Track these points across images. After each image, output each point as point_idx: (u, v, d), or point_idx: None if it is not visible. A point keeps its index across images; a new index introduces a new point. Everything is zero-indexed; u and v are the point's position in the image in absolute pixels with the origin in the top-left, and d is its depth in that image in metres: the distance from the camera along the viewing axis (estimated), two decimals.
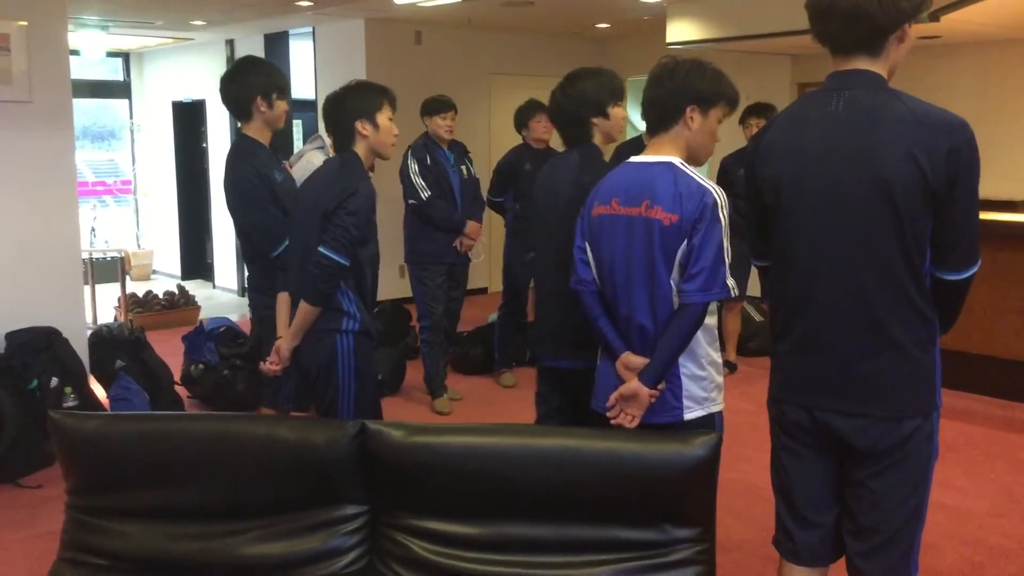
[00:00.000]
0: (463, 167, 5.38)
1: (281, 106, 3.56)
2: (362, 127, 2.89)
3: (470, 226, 5.25)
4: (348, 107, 2.90)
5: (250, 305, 3.90)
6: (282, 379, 3.05)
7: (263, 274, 3.55)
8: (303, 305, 2.86)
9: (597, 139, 2.85)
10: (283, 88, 3.58)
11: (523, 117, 5.70)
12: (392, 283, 8.00)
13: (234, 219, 3.63)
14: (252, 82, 3.50)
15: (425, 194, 5.17)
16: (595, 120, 2.81)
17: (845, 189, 1.97)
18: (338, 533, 2.23)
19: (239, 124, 3.61)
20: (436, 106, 5.30)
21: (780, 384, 2.19)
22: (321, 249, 2.80)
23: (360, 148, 2.92)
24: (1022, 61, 6.88)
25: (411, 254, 5.34)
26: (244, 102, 3.50)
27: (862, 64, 1.99)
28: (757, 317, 6.58)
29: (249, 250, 3.63)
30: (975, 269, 2.01)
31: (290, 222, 3.17)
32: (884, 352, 2.00)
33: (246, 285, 3.76)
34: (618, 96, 2.87)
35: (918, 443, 2.05)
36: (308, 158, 3.95)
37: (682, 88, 2.34)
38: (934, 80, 6.74)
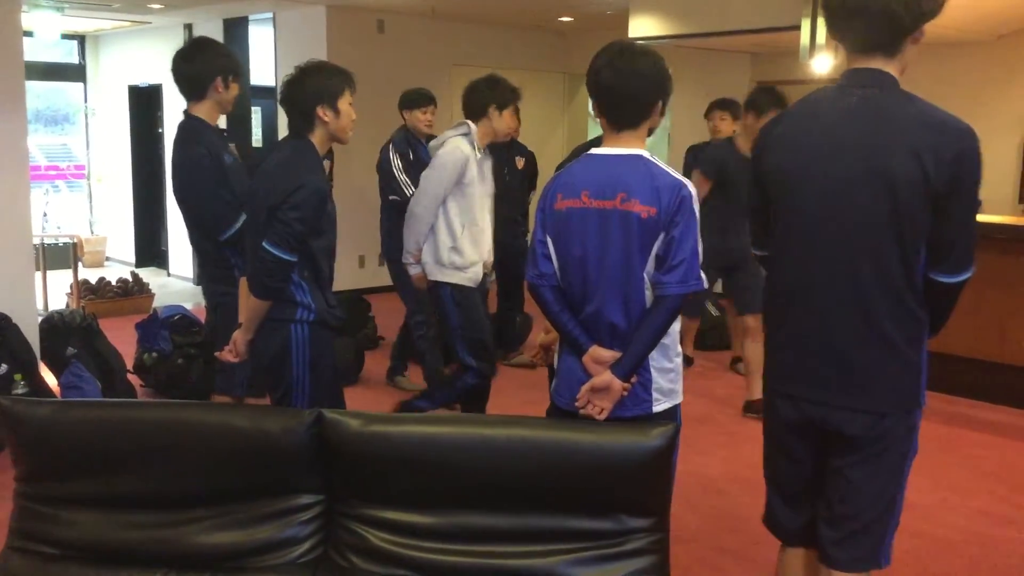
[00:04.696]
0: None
1: (235, 90, 3.53)
2: (323, 112, 2.82)
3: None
4: (309, 91, 2.82)
5: (204, 293, 3.83)
6: (235, 366, 3.00)
7: (215, 262, 3.51)
8: (253, 299, 2.81)
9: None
10: (239, 72, 3.56)
11: None
12: (352, 274, 7.96)
13: (182, 201, 3.53)
14: (213, 62, 3.47)
15: (410, 191, 4.97)
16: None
17: (848, 185, 2.00)
18: (293, 522, 2.21)
19: (187, 104, 3.53)
20: (416, 100, 5.20)
21: (772, 374, 2.24)
22: (264, 244, 2.74)
23: (317, 134, 2.85)
24: (978, 63, 7.01)
25: (394, 251, 5.09)
26: (201, 81, 3.45)
27: (878, 64, 2.04)
28: (714, 312, 6.64)
29: (197, 236, 3.56)
30: (969, 274, 2.05)
31: (244, 208, 3.14)
32: (874, 346, 2.05)
33: (199, 273, 3.72)
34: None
35: (898, 437, 2.11)
36: (455, 144, 3.90)
37: (659, 82, 2.34)
38: None
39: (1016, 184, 6.92)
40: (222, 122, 4.38)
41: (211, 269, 3.58)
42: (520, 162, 5.96)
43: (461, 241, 3.93)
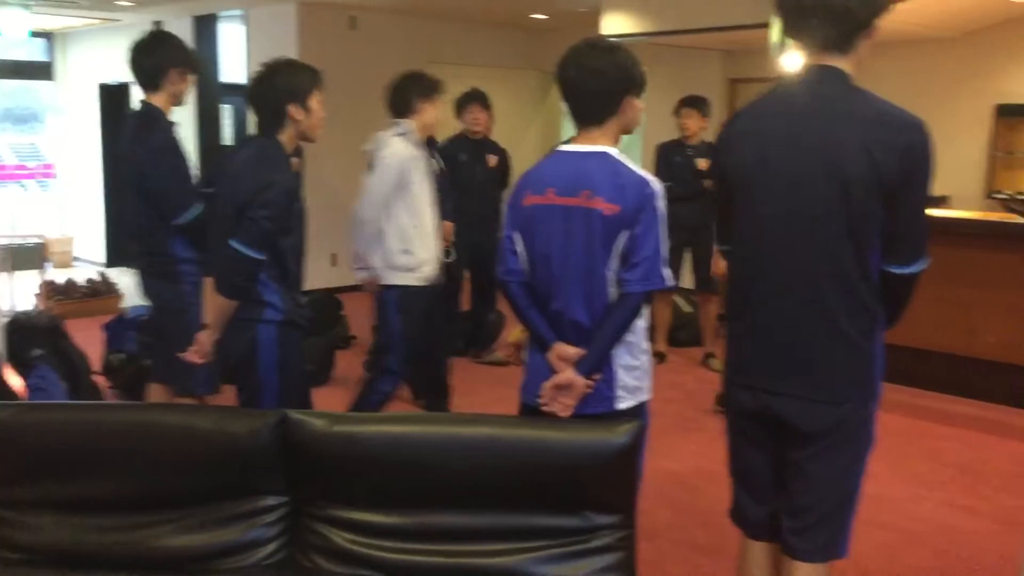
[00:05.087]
0: (432, 160, 5.19)
1: (189, 83, 3.59)
2: (295, 111, 2.81)
3: (443, 227, 5.04)
4: (280, 89, 2.81)
5: (147, 293, 3.71)
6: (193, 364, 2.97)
7: (162, 257, 3.50)
8: (219, 298, 2.79)
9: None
10: (194, 66, 3.62)
11: (459, 106, 5.67)
12: (323, 273, 7.92)
13: (141, 185, 3.51)
14: (169, 55, 3.52)
15: None
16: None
17: (803, 178, 2.03)
18: (257, 524, 2.19)
19: (145, 94, 3.57)
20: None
21: (731, 366, 2.27)
22: (233, 243, 2.72)
23: (287, 132, 2.83)
24: (944, 60, 7.08)
25: None
26: (158, 73, 3.50)
27: (833, 61, 2.07)
28: (686, 308, 6.67)
29: (150, 226, 3.53)
30: (923, 265, 2.09)
31: (209, 208, 3.15)
32: (828, 337, 2.07)
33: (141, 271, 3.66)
34: (639, 87, 2.87)
35: (854, 428, 2.13)
36: (396, 147, 3.85)
37: (626, 78, 2.35)
38: (861, 78, 6.90)
39: (983, 179, 7.00)
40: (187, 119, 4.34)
41: (157, 265, 3.56)
42: (492, 160, 5.95)
43: (411, 242, 3.90)
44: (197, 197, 3.44)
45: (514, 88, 9.36)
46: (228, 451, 2.21)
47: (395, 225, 3.90)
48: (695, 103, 5.84)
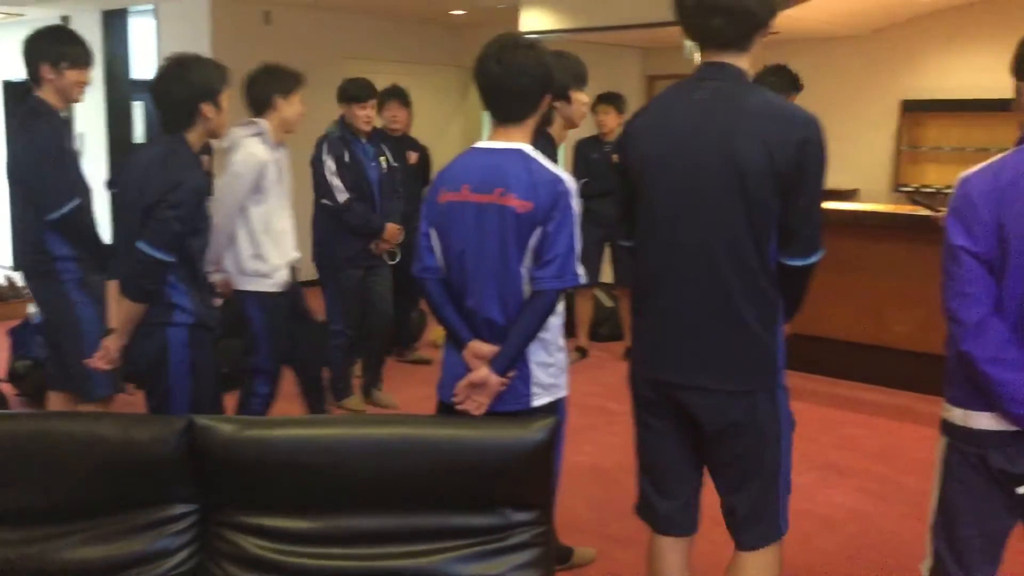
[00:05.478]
0: (382, 158, 5.01)
1: (72, 76, 3.43)
2: (208, 109, 2.74)
3: (388, 229, 4.89)
4: (195, 86, 2.73)
5: (33, 296, 3.60)
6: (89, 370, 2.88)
7: (37, 254, 3.40)
8: (127, 302, 2.71)
9: (556, 124, 2.85)
10: (75, 58, 3.43)
11: (377, 102, 5.60)
12: None
13: (17, 177, 3.41)
14: (39, 48, 3.40)
15: (342, 196, 4.76)
16: (556, 103, 2.84)
17: (704, 172, 2.06)
18: (166, 533, 2.13)
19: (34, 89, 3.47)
20: (356, 93, 4.82)
21: (637, 360, 2.28)
22: (140, 245, 2.65)
23: (195, 131, 2.77)
24: (853, 58, 7.28)
25: (324, 257, 4.95)
26: (30, 67, 3.40)
27: (730, 59, 2.10)
28: (607, 303, 6.73)
29: (25, 220, 3.44)
30: (818, 257, 2.14)
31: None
32: (732, 329, 2.11)
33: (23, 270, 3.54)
34: (581, 80, 2.87)
35: (764, 418, 2.17)
36: (249, 150, 3.64)
37: (548, 76, 2.36)
38: None
39: (891, 172, 7.23)
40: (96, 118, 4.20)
41: (35, 264, 3.46)
42: (413, 157, 5.91)
43: (264, 248, 3.71)
44: (75, 192, 3.32)
45: (434, 84, 9.32)
46: (134, 459, 2.15)
47: (247, 230, 3.70)
48: (612, 100, 5.90)
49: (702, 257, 2.10)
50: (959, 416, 2.03)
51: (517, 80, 2.30)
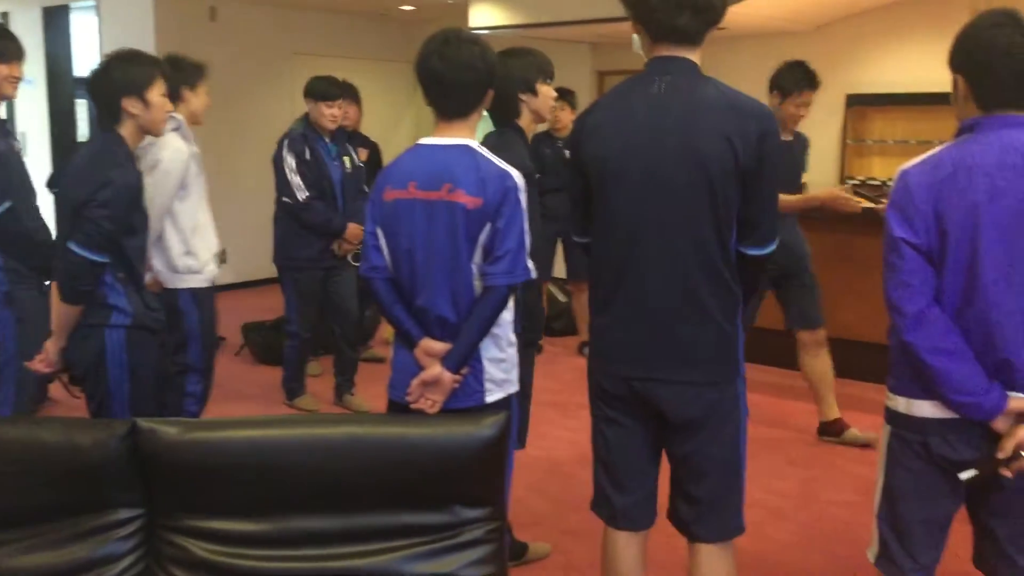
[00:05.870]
0: (346, 158, 4.94)
1: (2, 71, 3.36)
2: (130, 105, 2.68)
3: (350, 230, 4.80)
4: (114, 82, 2.68)
5: None
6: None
7: None
8: (62, 304, 2.66)
9: (525, 118, 2.84)
10: (2, 52, 3.36)
11: None
12: None
13: None
14: None
15: (302, 195, 4.69)
16: (523, 97, 2.82)
17: (666, 165, 2.07)
18: (111, 539, 2.09)
19: None
20: (322, 91, 4.74)
21: (600, 356, 2.27)
22: (70, 245, 2.59)
23: (127, 128, 2.71)
24: (800, 52, 7.33)
25: (284, 257, 4.89)
26: None
27: (686, 53, 2.11)
28: (561, 298, 6.75)
29: None
30: (775, 245, 2.18)
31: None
32: (697, 321, 2.13)
33: None
34: (547, 74, 2.87)
35: (728, 408, 2.19)
36: (174, 146, 3.55)
37: (492, 71, 2.35)
38: (719, 70, 7.08)
39: (837, 166, 7.33)
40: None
41: None
42: (363, 154, 5.86)
43: (192, 243, 3.67)
44: (7, 194, 3.22)
45: (384, 80, 9.25)
46: (76, 464, 2.10)
47: (176, 227, 3.65)
48: (564, 96, 5.91)
49: (666, 252, 2.11)
50: (902, 404, 2.07)
51: (460, 75, 2.29)
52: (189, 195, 3.64)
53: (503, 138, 2.86)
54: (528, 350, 2.89)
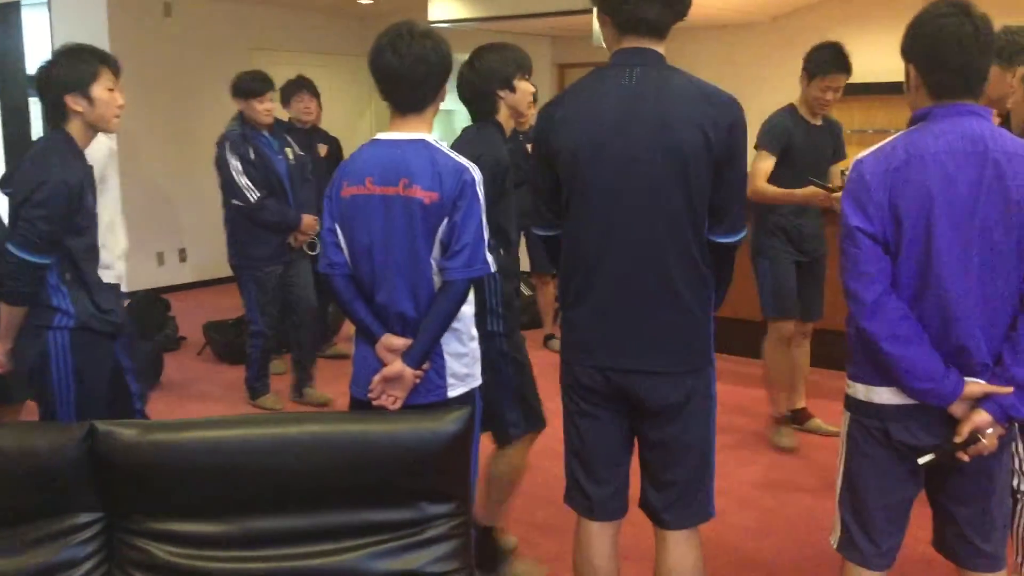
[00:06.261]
0: (288, 149, 4.90)
1: None
2: (74, 102, 2.63)
3: (305, 221, 4.81)
4: (57, 79, 2.62)
5: None
6: None
7: None
8: (4, 305, 2.62)
9: (503, 113, 2.83)
10: None
11: (285, 94, 5.50)
12: (150, 272, 7.56)
13: None
14: None
15: (253, 195, 4.65)
16: (501, 93, 2.80)
17: (640, 156, 2.07)
18: (70, 543, 2.06)
19: None
20: (253, 87, 4.69)
21: (574, 348, 2.27)
22: (8, 246, 2.54)
23: (74, 125, 2.66)
24: (757, 43, 7.43)
25: (241, 258, 4.84)
26: None
27: (653, 45, 2.12)
28: (525, 291, 6.74)
29: None
30: (744, 233, 2.20)
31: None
32: (673, 311, 2.14)
33: None
34: (524, 69, 2.86)
35: (700, 397, 2.21)
36: (99, 140, 3.38)
37: (447, 65, 2.35)
38: (680, 61, 7.14)
39: None
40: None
41: None
42: (323, 149, 5.82)
43: (106, 239, 3.49)
44: None
45: (343, 75, 9.18)
46: (33, 469, 2.06)
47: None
48: None
49: (645, 243, 2.11)
50: (861, 391, 2.10)
51: (415, 69, 2.28)
52: (108, 189, 3.55)
53: (481, 133, 2.85)
54: (515, 335, 2.87)
